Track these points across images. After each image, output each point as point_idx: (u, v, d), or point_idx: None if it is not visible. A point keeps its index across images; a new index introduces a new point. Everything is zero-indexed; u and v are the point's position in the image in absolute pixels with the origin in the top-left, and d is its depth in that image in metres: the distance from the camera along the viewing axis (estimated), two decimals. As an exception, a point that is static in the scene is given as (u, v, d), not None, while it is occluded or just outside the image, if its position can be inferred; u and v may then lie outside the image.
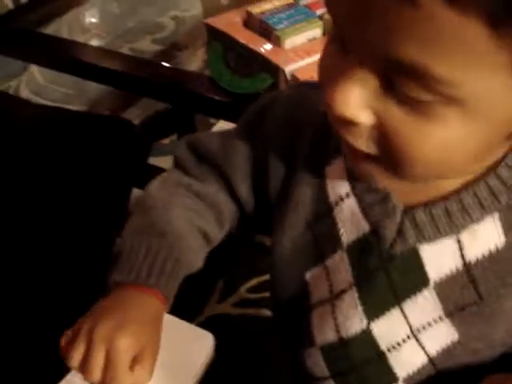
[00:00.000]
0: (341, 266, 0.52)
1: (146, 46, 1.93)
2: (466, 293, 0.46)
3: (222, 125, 1.54)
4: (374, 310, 0.51)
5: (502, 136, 0.39)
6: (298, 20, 1.00)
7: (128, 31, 1.93)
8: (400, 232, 0.47)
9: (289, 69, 0.90)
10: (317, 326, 0.56)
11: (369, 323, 0.52)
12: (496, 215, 0.44)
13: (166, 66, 1.20)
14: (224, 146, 0.58)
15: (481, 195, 0.44)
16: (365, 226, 0.49)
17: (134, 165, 1.10)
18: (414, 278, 0.48)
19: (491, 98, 0.35)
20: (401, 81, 0.34)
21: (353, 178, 0.49)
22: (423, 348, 0.50)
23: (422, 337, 0.50)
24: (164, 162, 1.53)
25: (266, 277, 1.25)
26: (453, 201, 0.44)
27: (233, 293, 1.38)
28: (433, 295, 0.47)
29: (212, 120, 1.54)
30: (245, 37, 0.98)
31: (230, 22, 1.03)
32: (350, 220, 0.51)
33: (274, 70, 0.92)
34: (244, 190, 0.58)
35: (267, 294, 1.25)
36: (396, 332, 0.51)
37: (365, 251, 0.50)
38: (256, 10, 1.03)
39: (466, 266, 0.45)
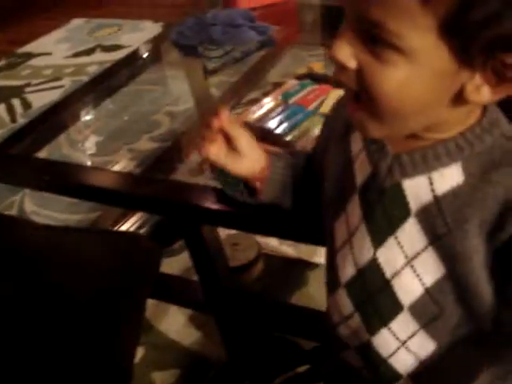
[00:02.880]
0: (355, 206, 0.64)
1: (144, 144, 2.03)
2: (438, 222, 0.56)
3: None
4: (377, 239, 0.62)
5: (448, 90, 0.51)
6: (299, 120, 1.00)
7: (124, 130, 2.02)
8: (390, 170, 0.59)
9: None
10: (340, 266, 0.67)
11: (375, 252, 0.63)
12: (459, 163, 0.55)
13: (168, 181, 1.19)
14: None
15: (450, 147, 0.55)
16: (368, 169, 0.62)
17: (146, 279, 1.11)
18: (400, 208, 0.59)
19: (427, 51, 0.48)
20: (372, 36, 0.49)
21: (365, 139, 0.63)
22: (418, 276, 0.60)
23: (416, 266, 0.59)
24: (172, 262, 1.67)
25: (293, 372, 1.35)
26: (429, 149, 0.56)
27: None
28: (416, 223, 0.58)
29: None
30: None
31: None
32: (361, 167, 0.64)
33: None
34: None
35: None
36: (395, 259, 0.61)
37: (368, 189, 0.63)
38: (251, 117, 1.03)
39: (436, 198, 0.56)
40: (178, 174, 1.45)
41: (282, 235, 1.07)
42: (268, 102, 1.07)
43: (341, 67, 0.53)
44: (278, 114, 1.03)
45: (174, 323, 1.59)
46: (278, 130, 0.99)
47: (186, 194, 1.04)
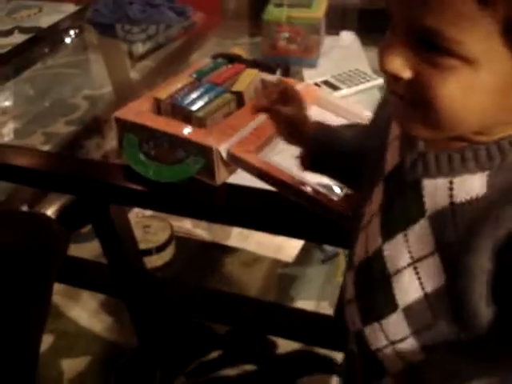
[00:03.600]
0: (379, 192, 0.63)
1: (60, 128, 1.96)
2: (449, 231, 0.54)
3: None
4: (387, 232, 0.61)
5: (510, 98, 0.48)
6: (211, 97, 0.98)
7: (41, 114, 1.90)
8: (413, 165, 0.57)
9: (223, 147, 0.89)
10: (356, 248, 0.67)
11: (382, 243, 0.61)
12: (486, 173, 0.52)
13: (75, 159, 1.14)
14: None
15: (480, 154, 0.53)
16: (397, 159, 0.61)
17: (53, 261, 1.08)
18: (415, 207, 0.57)
19: (490, 57, 0.45)
20: (427, 44, 0.47)
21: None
22: (420, 280, 0.58)
23: (420, 269, 0.58)
24: (81, 248, 1.64)
25: (207, 357, 1.41)
26: (456, 152, 0.54)
27: (173, 380, 1.39)
28: (427, 226, 0.56)
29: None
30: (162, 124, 0.94)
31: (140, 112, 0.97)
32: (392, 155, 0.62)
33: (205, 151, 0.89)
34: None
35: (209, 377, 1.38)
36: (400, 257, 0.59)
37: (392, 179, 0.62)
38: (162, 95, 0.99)
39: (452, 205, 0.54)
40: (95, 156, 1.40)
41: (192, 215, 1.05)
42: (181, 80, 1.03)
43: (393, 78, 0.50)
44: (191, 92, 0.99)
45: (85, 310, 1.55)
46: (190, 107, 0.94)
47: (94, 172, 1.01)
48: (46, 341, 1.48)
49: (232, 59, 1.12)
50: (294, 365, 1.41)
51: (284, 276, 1.64)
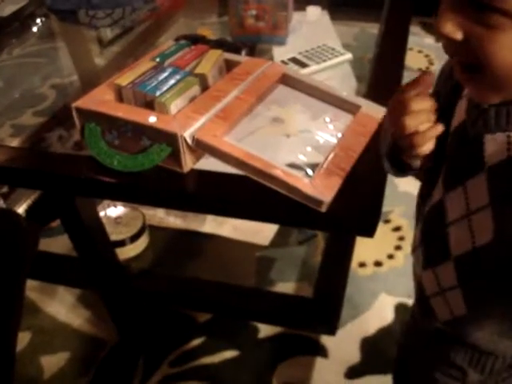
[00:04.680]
0: (447, 145, 0.66)
1: (29, 119, 1.93)
2: (505, 182, 0.57)
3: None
4: (449, 183, 0.65)
5: None
6: (175, 82, 0.95)
7: (9, 105, 1.88)
8: (475, 121, 0.60)
9: (188, 133, 0.86)
10: (429, 197, 0.71)
11: (444, 194, 0.65)
12: None
13: (35, 152, 1.10)
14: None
15: None
16: (463, 116, 0.63)
17: (24, 258, 1.06)
18: (475, 161, 0.59)
19: None
20: (477, 7, 0.49)
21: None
22: (472, 233, 0.61)
23: (473, 221, 0.61)
24: (55, 243, 1.61)
25: (189, 345, 1.39)
26: None
27: (155, 370, 1.37)
28: (485, 179, 0.59)
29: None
30: (124, 112, 0.90)
31: (101, 100, 0.94)
32: (459, 113, 0.64)
33: (170, 138, 0.86)
34: None
35: (192, 365, 1.36)
36: (457, 208, 0.63)
37: (456, 134, 0.64)
38: (124, 81, 0.95)
39: (509, 157, 0.56)
40: (58, 149, 1.36)
41: (161, 204, 1.02)
42: (143, 65, 0.99)
43: (448, 41, 0.53)
44: (153, 77, 0.95)
45: (62, 305, 1.52)
46: (153, 93, 0.91)
47: (56, 165, 0.97)
48: (24, 338, 1.45)
49: (196, 40, 1.08)
50: (276, 348, 1.39)
51: (262, 259, 1.62)
